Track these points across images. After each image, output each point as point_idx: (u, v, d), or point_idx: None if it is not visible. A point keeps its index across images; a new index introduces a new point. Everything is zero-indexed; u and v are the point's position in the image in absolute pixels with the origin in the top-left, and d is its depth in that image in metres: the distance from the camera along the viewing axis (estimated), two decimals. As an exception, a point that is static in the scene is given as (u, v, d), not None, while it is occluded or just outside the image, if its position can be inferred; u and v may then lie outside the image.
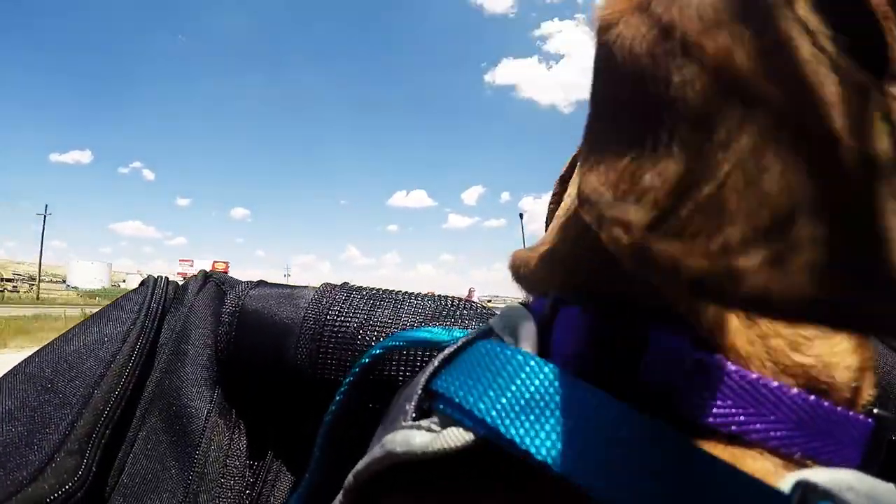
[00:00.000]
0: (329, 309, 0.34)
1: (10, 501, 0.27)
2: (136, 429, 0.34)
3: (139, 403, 0.35)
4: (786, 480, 0.15)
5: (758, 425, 0.17)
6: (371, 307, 0.34)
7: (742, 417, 0.17)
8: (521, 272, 0.24)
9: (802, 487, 0.14)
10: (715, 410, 0.17)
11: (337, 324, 0.33)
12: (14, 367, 0.32)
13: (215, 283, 0.39)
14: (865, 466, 0.18)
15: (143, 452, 0.34)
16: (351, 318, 0.34)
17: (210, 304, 0.37)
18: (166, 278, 0.38)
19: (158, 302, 0.36)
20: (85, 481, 0.30)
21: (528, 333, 0.19)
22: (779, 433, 0.17)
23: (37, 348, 0.34)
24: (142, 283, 0.38)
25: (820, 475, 0.15)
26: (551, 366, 0.17)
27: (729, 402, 0.17)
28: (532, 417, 0.15)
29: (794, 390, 0.17)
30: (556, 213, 0.25)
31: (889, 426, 0.19)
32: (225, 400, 0.35)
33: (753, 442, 0.17)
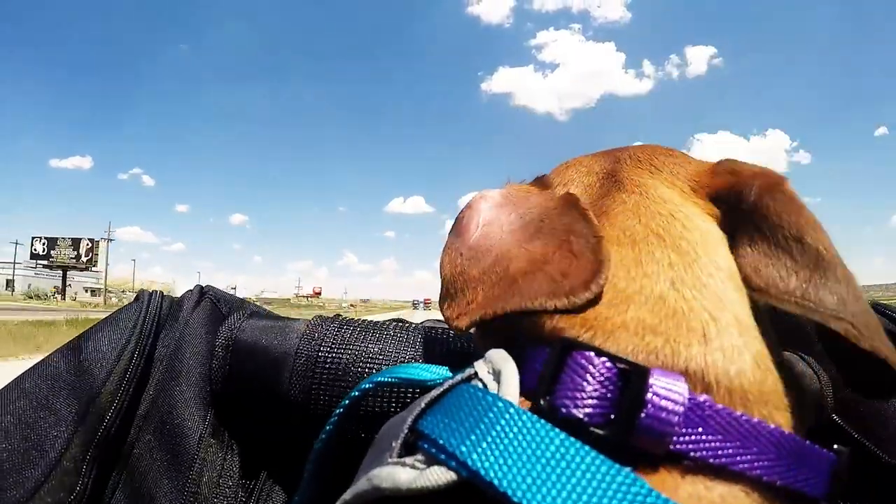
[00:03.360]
0: (321, 344, 0.35)
1: None
2: (130, 446, 0.34)
3: (134, 420, 0.35)
4: None
5: (744, 456, 0.19)
6: (362, 340, 0.35)
7: (730, 450, 0.19)
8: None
9: None
10: (705, 445, 0.19)
11: (329, 359, 0.34)
12: (10, 383, 0.32)
13: (211, 300, 0.39)
14: (831, 498, 0.21)
15: (137, 470, 0.34)
16: (342, 352, 0.35)
17: (205, 324, 0.37)
18: (161, 293, 0.38)
19: (153, 318, 0.36)
20: (81, 499, 0.30)
21: (511, 379, 0.21)
22: (763, 463, 0.19)
23: None
24: (136, 298, 0.37)
25: None
26: (528, 414, 0.18)
27: (719, 437, 0.19)
28: (510, 462, 0.17)
29: (772, 425, 0.20)
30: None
31: (846, 461, 0.22)
32: (218, 423, 0.36)
33: (738, 473, 0.19)
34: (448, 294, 0.28)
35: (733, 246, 0.27)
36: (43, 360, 0.33)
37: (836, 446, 0.22)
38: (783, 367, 0.24)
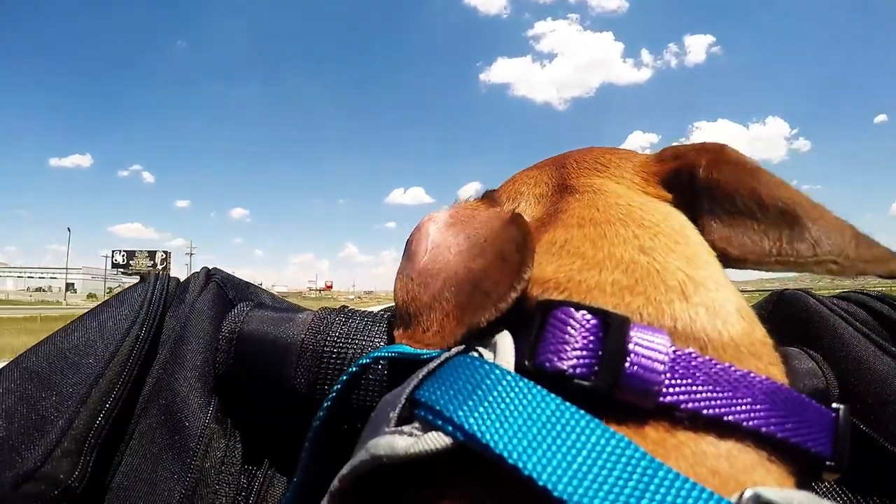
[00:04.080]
0: (327, 336, 0.34)
1: (6, 501, 0.27)
2: (132, 428, 0.34)
3: (137, 402, 0.34)
4: (744, 495, 0.16)
5: (738, 407, 0.19)
6: (367, 334, 0.34)
7: (722, 400, 0.19)
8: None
9: (754, 501, 0.15)
10: (695, 395, 0.19)
11: (335, 353, 0.33)
12: (12, 362, 0.32)
13: (217, 283, 0.38)
14: (838, 456, 0.20)
15: (138, 452, 0.33)
16: (348, 345, 0.34)
17: (211, 309, 0.36)
18: (167, 274, 0.38)
19: (159, 298, 0.36)
20: (82, 481, 0.29)
21: (507, 349, 0.21)
22: (759, 413, 0.19)
23: None
24: (142, 279, 0.37)
25: (775, 493, 0.16)
26: (525, 380, 0.18)
27: (709, 388, 0.19)
28: (506, 426, 0.17)
29: (763, 376, 0.20)
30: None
31: (847, 420, 0.21)
32: (222, 410, 0.35)
33: (734, 425, 0.18)
34: (402, 320, 0.27)
35: (699, 225, 0.27)
36: (47, 338, 0.33)
37: (833, 405, 0.21)
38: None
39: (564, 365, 0.19)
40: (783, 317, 0.40)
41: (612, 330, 0.19)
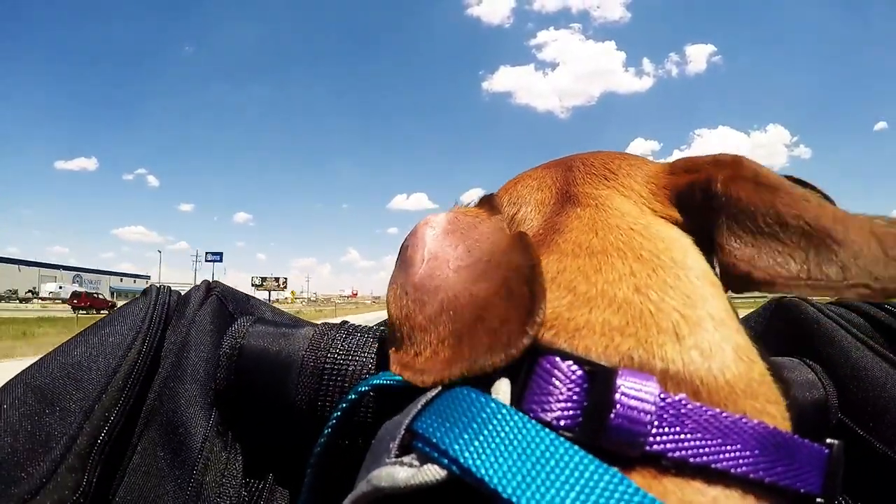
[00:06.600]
0: (328, 352, 0.34)
1: None
2: (134, 442, 0.34)
3: (139, 417, 0.34)
4: None
5: (726, 454, 0.19)
6: (368, 350, 0.34)
7: (710, 449, 0.19)
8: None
9: None
10: (683, 444, 0.19)
11: (335, 370, 0.33)
12: (16, 377, 0.32)
13: (217, 297, 0.38)
14: (827, 493, 0.20)
15: (140, 468, 0.33)
16: (349, 362, 0.33)
17: (212, 322, 0.36)
18: (169, 288, 0.38)
19: (161, 313, 0.36)
20: (86, 497, 0.29)
21: (503, 383, 0.21)
22: (747, 460, 0.19)
23: None
24: (144, 292, 0.37)
25: None
26: (520, 415, 0.19)
27: (697, 436, 0.19)
28: (501, 460, 0.17)
29: (755, 420, 0.20)
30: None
31: (839, 455, 0.21)
32: (222, 423, 0.35)
33: (722, 472, 0.19)
34: (394, 338, 0.26)
35: (717, 244, 0.26)
36: (49, 354, 0.33)
37: (828, 440, 0.21)
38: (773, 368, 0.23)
39: (548, 416, 0.19)
40: (781, 324, 0.40)
41: (597, 381, 0.19)
